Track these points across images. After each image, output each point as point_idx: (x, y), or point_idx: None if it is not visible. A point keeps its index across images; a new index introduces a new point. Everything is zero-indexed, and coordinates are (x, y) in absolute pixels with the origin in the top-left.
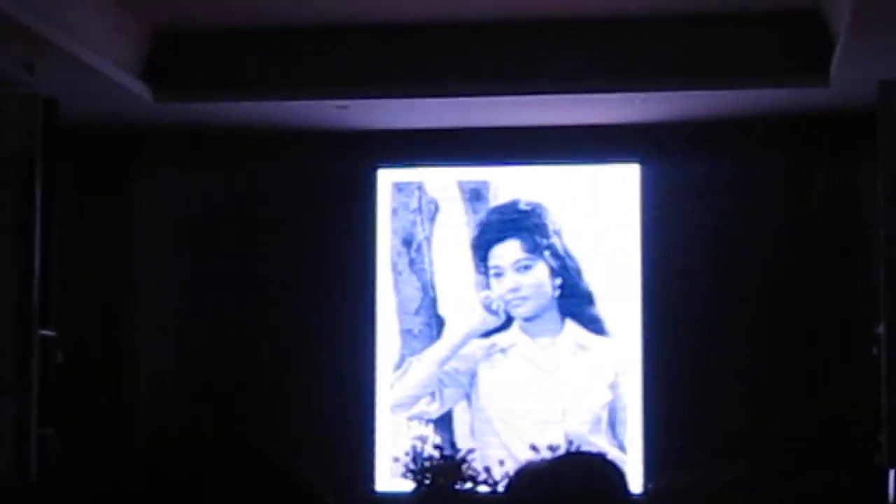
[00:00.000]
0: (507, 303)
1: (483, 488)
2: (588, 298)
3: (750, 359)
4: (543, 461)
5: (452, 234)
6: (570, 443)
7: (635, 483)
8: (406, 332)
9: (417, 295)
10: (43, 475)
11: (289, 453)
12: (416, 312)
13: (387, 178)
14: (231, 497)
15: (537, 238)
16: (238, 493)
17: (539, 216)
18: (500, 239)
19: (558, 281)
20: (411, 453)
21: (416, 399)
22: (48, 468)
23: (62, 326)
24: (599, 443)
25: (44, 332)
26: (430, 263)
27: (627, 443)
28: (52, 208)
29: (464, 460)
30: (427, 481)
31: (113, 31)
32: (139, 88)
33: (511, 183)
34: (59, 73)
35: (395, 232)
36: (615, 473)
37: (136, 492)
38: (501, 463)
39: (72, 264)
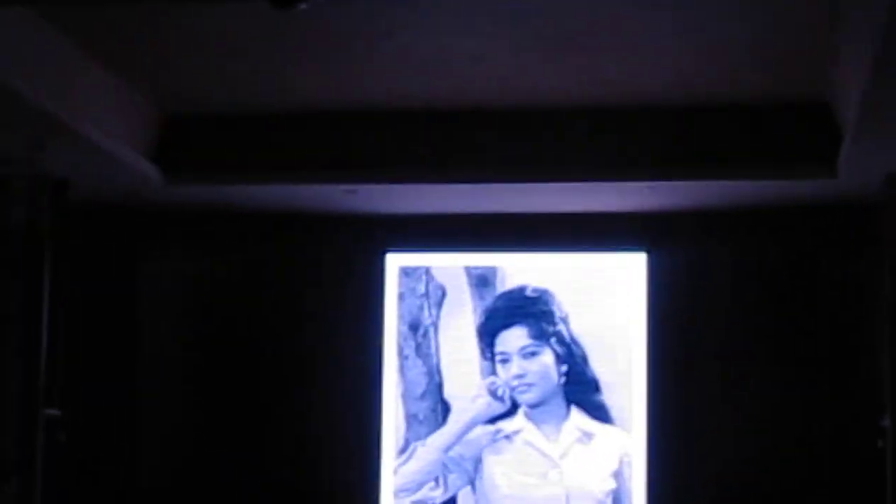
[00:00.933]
0: (512, 389)
1: None
2: (594, 385)
3: (761, 455)
4: None
5: (459, 319)
6: None
7: None
8: (411, 417)
9: (423, 380)
10: None
11: None
12: (422, 397)
13: (394, 263)
14: None
15: (544, 325)
16: None
17: (546, 303)
18: (506, 325)
19: (564, 368)
20: None
21: (421, 485)
22: None
23: (66, 406)
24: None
25: (48, 411)
26: (437, 349)
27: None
28: (60, 288)
29: None
30: None
31: (124, 113)
32: (149, 170)
33: (518, 269)
34: (70, 152)
35: (401, 317)
36: None
37: None
38: None
39: (77, 344)
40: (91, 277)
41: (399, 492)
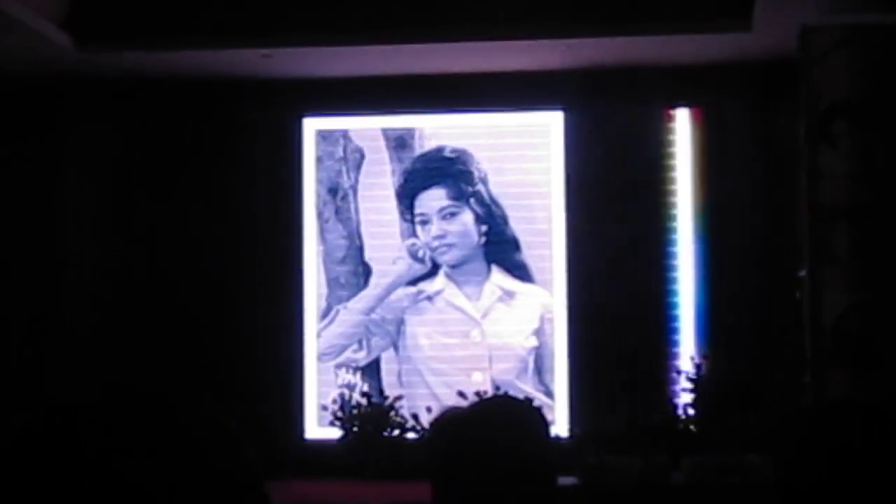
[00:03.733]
0: (433, 250)
1: (411, 435)
2: (514, 245)
3: (671, 299)
4: (466, 406)
5: (378, 182)
6: (497, 389)
7: (562, 427)
8: (333, 281)
9: (344, 244)
10: None
11: (211, 402)
12: (343, 261)
13: (311, 127)
14: (153, 448)
15: (462, 185)
16: (159, 445)
17: (464, 163)
18: (425, 187)
19: (484, 228)
20: (339, 401)
21: (344, 347)
22: None
23: None
24: (526, 388)
25: None
26: (356, 212)
27: (554, 388)
28: None
29: (391, 408)
30: (355, 429)
31: None
32: (60, 37)
33: (436, 130)
34: None
35: (320, 181)
36: (536, 417)
37: (55, 449)
38: (429, 410)
39: None
40: (7, 148)
41: (322, 355)
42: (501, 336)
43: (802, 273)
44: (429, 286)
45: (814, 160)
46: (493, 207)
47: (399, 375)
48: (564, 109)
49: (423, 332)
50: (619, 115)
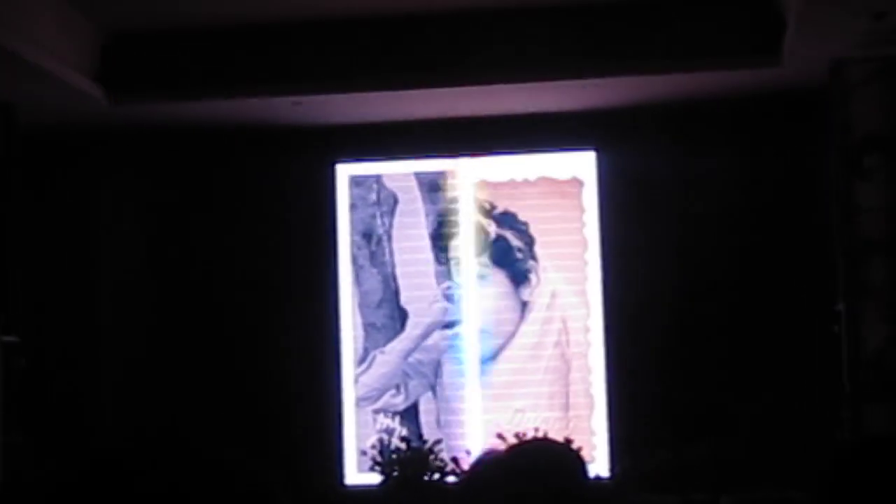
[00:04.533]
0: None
1: (451, 479)
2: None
3: (715, 337)
4: (504, 450)
5: (412, 226)
6: (536, 430)
7: (602, 466)
8: (369, 326)
9: (379, 288)
10: (10, 482)
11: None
12: (379, 306)
13: (344, 173)
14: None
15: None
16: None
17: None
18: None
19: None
20: (378, 446)
21: (382, 392)
22: (16, 475)
23: (24, 332)
24: (565, 428)
25: (6, 338)
26: (391, 256)
27: (594, 426)
28: (12, 214)
29: (431, 451)
30: (395, 473)
31: (65, 34)
32: (94, 90)
33: (468, 173)
34: (13, 77)
35: (354, 227)
36: (575, 460)
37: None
38: (468, 453)
39: (32, 270)
40: (42, 201)
41: (361, 400)
42: (541, 376)
43: (839, 307)
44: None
45: (847, 193)
46: (527, 252)
47: (437, 418)
48: (597, 149)
49: (461, 375)
50: (651, 153)
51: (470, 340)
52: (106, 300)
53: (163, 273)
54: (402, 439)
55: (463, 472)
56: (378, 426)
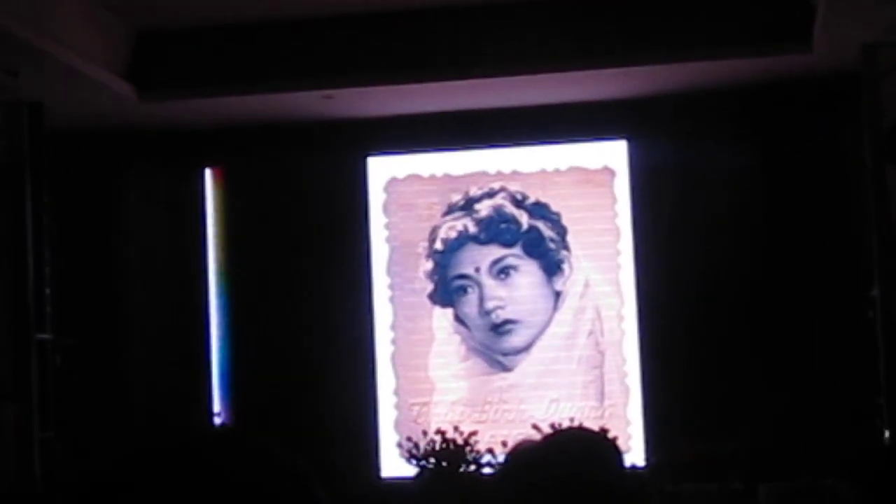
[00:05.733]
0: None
1: (486, 470)
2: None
3: (749, 325)
4: (539, 441)
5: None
6: (572, 420)
7: (638, 455)
8: None
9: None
10: (46, 479)
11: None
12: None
13: (376, 166)
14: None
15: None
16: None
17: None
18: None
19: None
20: (414, 438)
21: None
22: (51, 472)
23: (59, 330)
24: (600, 417)
25: (41, 336)
26: (426, 250)
27: (629, 415)
28: (44, 212)
29: (466, 443)
30: (431, 465)
31: (95, 33)
32: (124, 88)
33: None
34: (43, 76)
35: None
36: (610, 449)
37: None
38: (504, 444)
39: (63, 268)
40: (74, 199)
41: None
42: (576, 368)
43: (874, 292)
44: None
45: (880, 178)
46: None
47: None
48: (628, 138)
49: None
50: (683, 142)
51: None
52: (136, 297)
53: (196, 268)
54: (438, 431)
55: (498, 463)
56: (414, 418)
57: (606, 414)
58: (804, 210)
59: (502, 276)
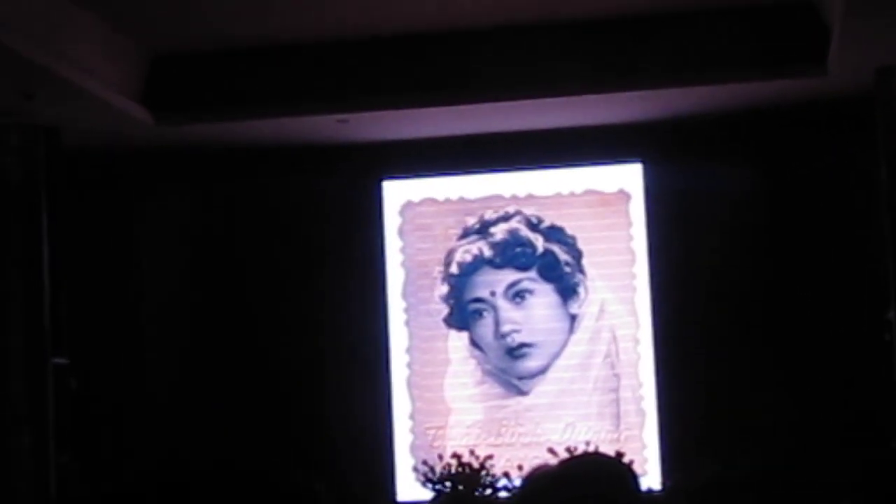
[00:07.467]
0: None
1: (503, 494)
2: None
3: (766, 348)
4: (555, 465)
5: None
6: (588, 443)
7: (654, 479)
8: None
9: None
10: (62, 502)
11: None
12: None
13: (392, 191)
14: None
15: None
16: None
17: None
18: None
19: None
20: (430, 462)
21: None
22: (67, 495)
23: (74, 353)
24: (616, 441)
25: (56, 360)
26: (442, 273)
27: (645, 439)
28: (59, 236)
29: (482, 466)
30: (447, 489)
31: (111, 57)
32: (139, 113)
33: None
34: (59, 100)
35: (402, 238)
36: (626, 474)
37: None
38: (520, 468)
39: (78, 291)
40: (90, 223)
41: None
42: (592, 391)
43: (891, 315)
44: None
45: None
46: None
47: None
48: (643, 161)
49: None
50: (699, 165)
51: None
52: (151, 320)
53: (208, 293)
54: (454, 455)
55: (514, 487)
56: (430, 442)
57: (622, 437)
58: (819, 233)
59: (518, 299)
